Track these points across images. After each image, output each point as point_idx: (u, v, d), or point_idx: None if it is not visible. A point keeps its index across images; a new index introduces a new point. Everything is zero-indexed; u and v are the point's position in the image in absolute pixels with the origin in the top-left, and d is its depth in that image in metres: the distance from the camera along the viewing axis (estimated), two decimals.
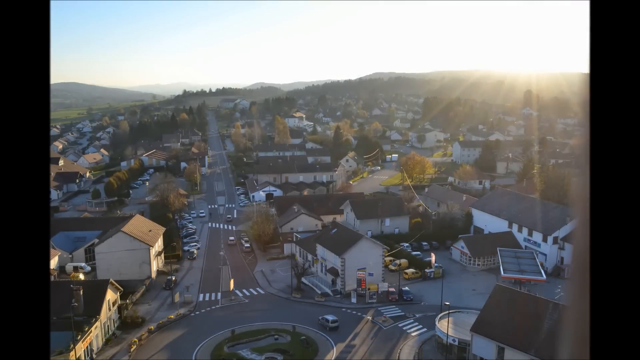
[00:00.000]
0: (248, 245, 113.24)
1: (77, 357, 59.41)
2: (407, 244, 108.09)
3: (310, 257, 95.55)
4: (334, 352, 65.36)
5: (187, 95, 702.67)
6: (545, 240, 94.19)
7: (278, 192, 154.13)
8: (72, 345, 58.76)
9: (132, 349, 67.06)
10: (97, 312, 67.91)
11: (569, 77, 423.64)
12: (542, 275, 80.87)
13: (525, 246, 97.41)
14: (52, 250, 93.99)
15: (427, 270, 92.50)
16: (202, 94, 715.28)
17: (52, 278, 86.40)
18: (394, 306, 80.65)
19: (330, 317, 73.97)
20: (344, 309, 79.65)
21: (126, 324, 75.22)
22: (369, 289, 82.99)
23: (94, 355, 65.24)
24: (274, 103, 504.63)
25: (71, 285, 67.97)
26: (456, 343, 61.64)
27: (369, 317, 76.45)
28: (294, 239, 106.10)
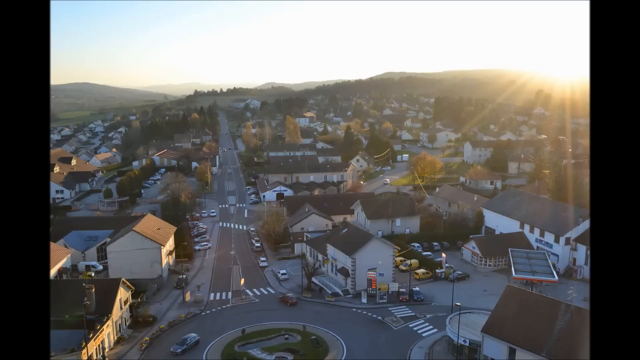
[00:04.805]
0: (259, 245, 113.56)
1: (88, 355, 59.90)
2: (417, 244, 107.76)
3: (320, 257, 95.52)
4: (344, 352, 65.29)
5: (198, 95, 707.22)
6: (557, 241, 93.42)
7: (289, 192, 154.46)
8: (84, 344, 59.28)
9: (143, 348, 67.54)
10: (109, 310, 68.46)
11: (582, 78, 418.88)
12: (553, 276, 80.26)
13: (537, 247, 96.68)
14: (64, 249, 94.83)
15: (437, 270, 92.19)
16: (213, 94, 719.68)
17: (64, 277, 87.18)
18: (404, 306, 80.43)
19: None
20: (354, 309, 79.57)
21: (137, 322, 75.75)
22: (379, 289, 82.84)
23: (106, 354, 65.73)
24: (285, 103, 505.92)
25: (83, 284, 68.48)
26: (467, 344, 61.29)
27: (379, 317, 76.29)
28: (305, 239, 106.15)
